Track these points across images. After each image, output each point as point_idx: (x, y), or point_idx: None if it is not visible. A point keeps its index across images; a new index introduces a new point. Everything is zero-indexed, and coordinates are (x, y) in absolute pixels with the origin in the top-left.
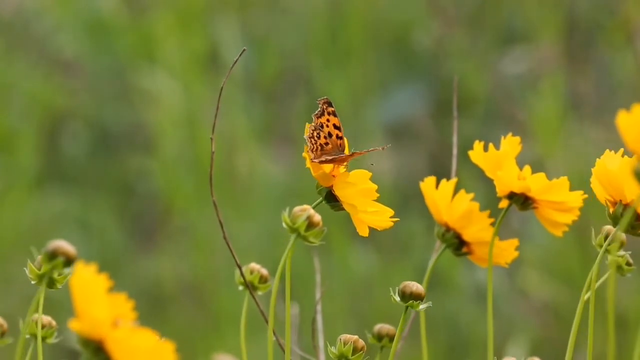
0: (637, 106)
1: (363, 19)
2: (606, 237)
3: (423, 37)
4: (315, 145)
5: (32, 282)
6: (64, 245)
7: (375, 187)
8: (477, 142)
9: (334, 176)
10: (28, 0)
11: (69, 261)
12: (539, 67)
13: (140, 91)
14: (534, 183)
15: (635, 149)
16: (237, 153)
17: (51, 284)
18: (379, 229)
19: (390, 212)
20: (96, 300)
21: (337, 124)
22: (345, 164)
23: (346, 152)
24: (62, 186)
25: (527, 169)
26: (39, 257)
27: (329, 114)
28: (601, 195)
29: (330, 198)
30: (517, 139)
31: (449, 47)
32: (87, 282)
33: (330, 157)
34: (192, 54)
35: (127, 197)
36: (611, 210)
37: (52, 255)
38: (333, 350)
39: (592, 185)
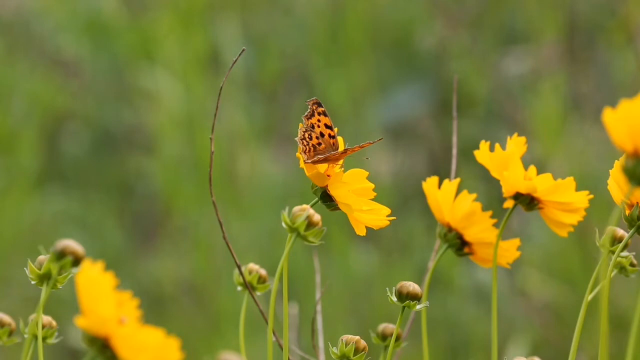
0: (623, 103)
1: (364, 19)
2: (611, 238)
3: (424, 38)
4: (307, 147)
5: (32, 282)
6: (73, 244)
7: (372, 186)
8: (482, 142)
9: (329, 176)
10: (28, 0)
11: (77, 260)
12: (540, 68)
13: (140, 91)
14: (540, 183)
15: (622, 145)
16: (237, 153)
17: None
18: (375, 228)
19: (387, 210)
20: (102, 298)
21: (329, 124)
22: (339, 162)
23: (340, 150)
24: (62, 186)
25: (532, 169)
26: (40, 257)
27: (319, 114)
28: (618, 196)
29: (326, 198)
30: (523, 139)
31: (450, 47)
32: (93, 280)
33: (323, 156)
34: (193, 54)
35: (127, 197)
36: (627, 212)
37: (61, 255)
38: (335, 350)
39: (609, 187)
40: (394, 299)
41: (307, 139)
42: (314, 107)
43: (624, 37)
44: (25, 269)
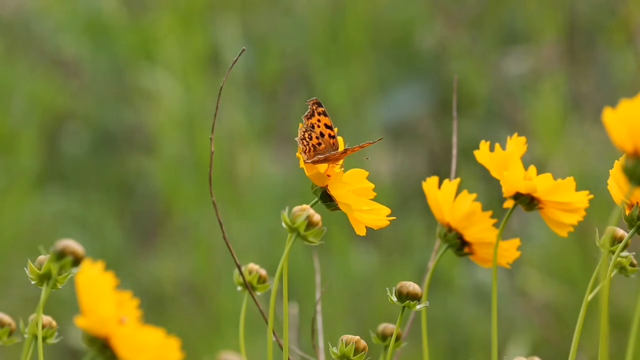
0: (623, 103)
1: (364, 19)
2: (611, 238)
3: (424, 38)
4: (307, 147)
5: (32, 282)
6: (73, 244)
7: (372, 186)
8: (482, 142)
9: (329, 176)
10: (28, 0)
11: (77, 260)
12: (540, 68)
13: (140, 91)
14: (540, 183)
15: (622, 145)
16: (237, 153)
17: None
18: (375, 228)
19: (387, 210)
20: (102, 298)
21: (329, 124)
22: (339, 162)
23: (340, 150)
24: (62, 186)
25: (532, 169)
26: (40, 257)
27: (319, 114)
28: (617, 196)
29: (326, 198)
30: (523, 139)
31: (450, 47)
32: (93, 280)
33: (323, 156)
34: (193, 54)
35: (127, 197)
36: (627, 212)
37: (61, 255)
38: (335, 350)
39: (609, 187)
40: (394, 299)
41: (307, 139)
42: (314, 107)
43: (624, 37)
44: (25, 269)
